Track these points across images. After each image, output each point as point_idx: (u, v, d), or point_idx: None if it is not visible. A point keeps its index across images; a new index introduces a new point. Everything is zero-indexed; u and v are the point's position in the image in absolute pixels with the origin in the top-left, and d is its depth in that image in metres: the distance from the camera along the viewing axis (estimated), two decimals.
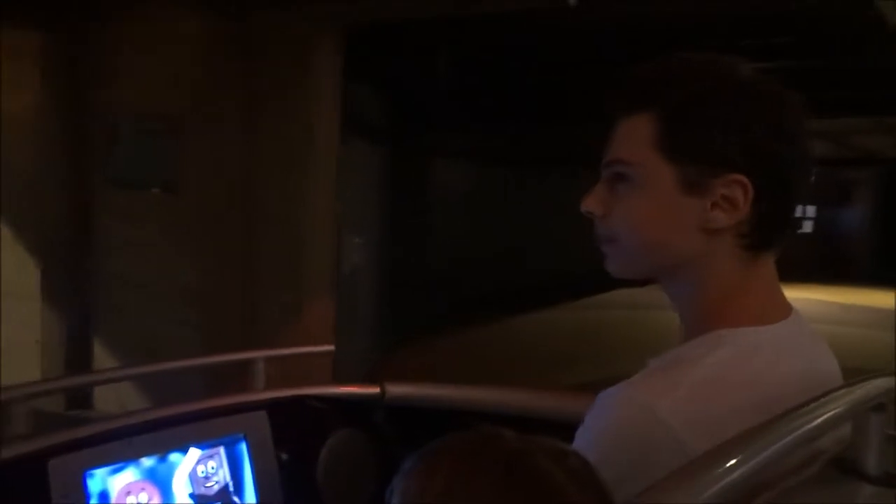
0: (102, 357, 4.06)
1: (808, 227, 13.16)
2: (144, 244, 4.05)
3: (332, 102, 3.65)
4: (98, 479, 1.01)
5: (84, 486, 0.99)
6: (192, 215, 3.84)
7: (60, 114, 4.23)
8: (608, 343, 6.38)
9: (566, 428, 0.67)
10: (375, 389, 1.26)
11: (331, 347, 1.36)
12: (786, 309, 0.73)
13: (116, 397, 3.52)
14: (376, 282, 6.39)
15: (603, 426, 0.65)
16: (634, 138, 0.70)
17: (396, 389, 1.26)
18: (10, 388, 1.09)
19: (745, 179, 0.67)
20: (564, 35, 4.35)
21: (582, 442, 0.66)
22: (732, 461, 0.39)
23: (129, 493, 1.03)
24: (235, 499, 1.14)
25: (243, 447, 1.15)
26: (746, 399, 0.63)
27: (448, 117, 6.70)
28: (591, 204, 0.73)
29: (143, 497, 1.04)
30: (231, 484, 1.13)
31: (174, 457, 1.08)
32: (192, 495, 1.09)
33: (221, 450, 1.13)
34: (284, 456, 1.17)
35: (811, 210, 13.29)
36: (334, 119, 3.67)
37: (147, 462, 1.06)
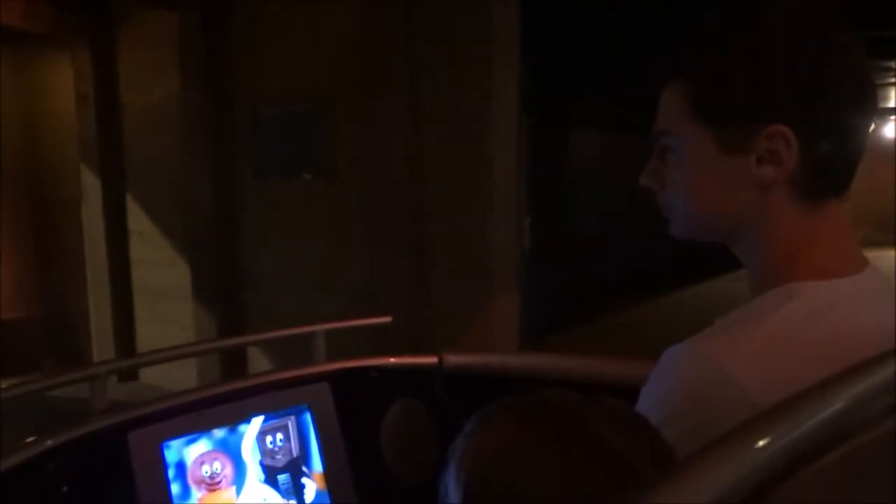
0: (257, 354, 3.86)
1: None
2: (297, 236, 3.76)
3: (511, 67, 3.17)
4: (174, 450, 1.06)
5: (162, 456, 1.05)
6: (351, 203, 3.49)
7: (202, 101, 4.02)
8: None
9: (629, 394, 0.66)
10: (433, 359, 1.27)
11: (388, 318, 1.38)
12: (859, 262, 0.70)
13: None
14: (528, 260, 5.80)
15: (668, 384, 0.64)
16: (672, 109, 0.71)
17: (454, 358, 1.27)
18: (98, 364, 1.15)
19: (783, 129, 0.65)
20: None
21: (646, 401, 0.65)
22: (803, 413, 0.38)
23: (202, 463, 1.08)
24: (304, 468, 1.18)
25: (308, 418, 1.19)
26: (818, 355, 0.60)
27: (594, 84, 6.29)
28: (646, 179, 0.75)
29: (217, 466, 1.09)
30: (299, 454, 1.17)
31: (243, 428, 1.13)
32: (261, 463, 1.13)
33: (290, 421, 1.17)
34: (348, 425, 1.20)
35: None
36: (515, 86, 3.19)
37: (218, 433, 1.10)
